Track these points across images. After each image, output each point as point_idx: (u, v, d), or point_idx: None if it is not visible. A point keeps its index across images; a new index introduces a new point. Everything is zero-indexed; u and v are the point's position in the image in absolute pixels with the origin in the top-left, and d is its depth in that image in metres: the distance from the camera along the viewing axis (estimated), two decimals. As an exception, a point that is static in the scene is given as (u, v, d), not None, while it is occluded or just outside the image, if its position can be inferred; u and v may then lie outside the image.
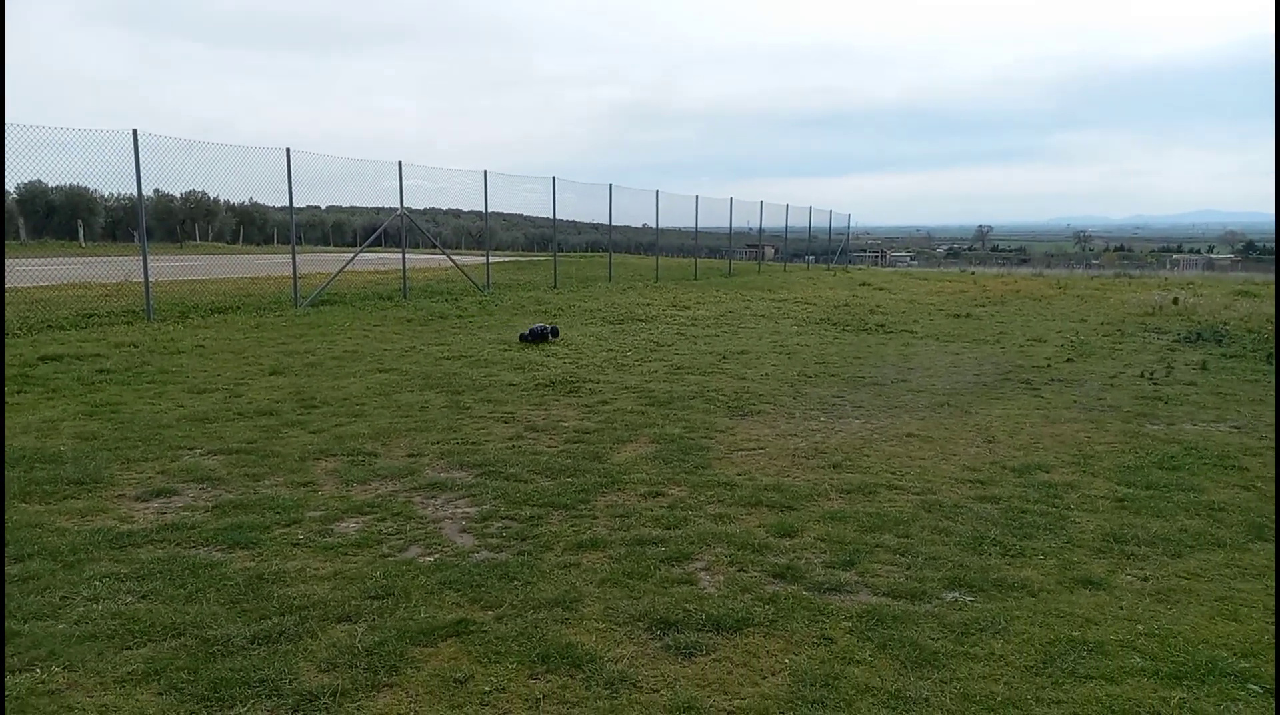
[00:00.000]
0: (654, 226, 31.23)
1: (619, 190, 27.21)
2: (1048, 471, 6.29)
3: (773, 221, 38.69)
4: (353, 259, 20.11)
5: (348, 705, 3.14)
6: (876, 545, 4.81)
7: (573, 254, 49.56)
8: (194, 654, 3.44)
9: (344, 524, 5.03)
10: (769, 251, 46.11)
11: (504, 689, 3.27)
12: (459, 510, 5.32)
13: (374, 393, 8.78)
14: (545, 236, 61.23)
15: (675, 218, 34.18)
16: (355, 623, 3.76)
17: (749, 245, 45.17)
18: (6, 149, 12.64)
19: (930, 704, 3.20)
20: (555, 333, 12.83)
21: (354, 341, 12.40)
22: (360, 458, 6.38)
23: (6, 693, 3.13)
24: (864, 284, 29.04)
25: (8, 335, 12.00)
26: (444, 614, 3.86)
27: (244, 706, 3.11)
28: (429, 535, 4.88)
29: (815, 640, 3.70)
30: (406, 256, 20.00)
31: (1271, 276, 38.25)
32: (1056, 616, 3.94)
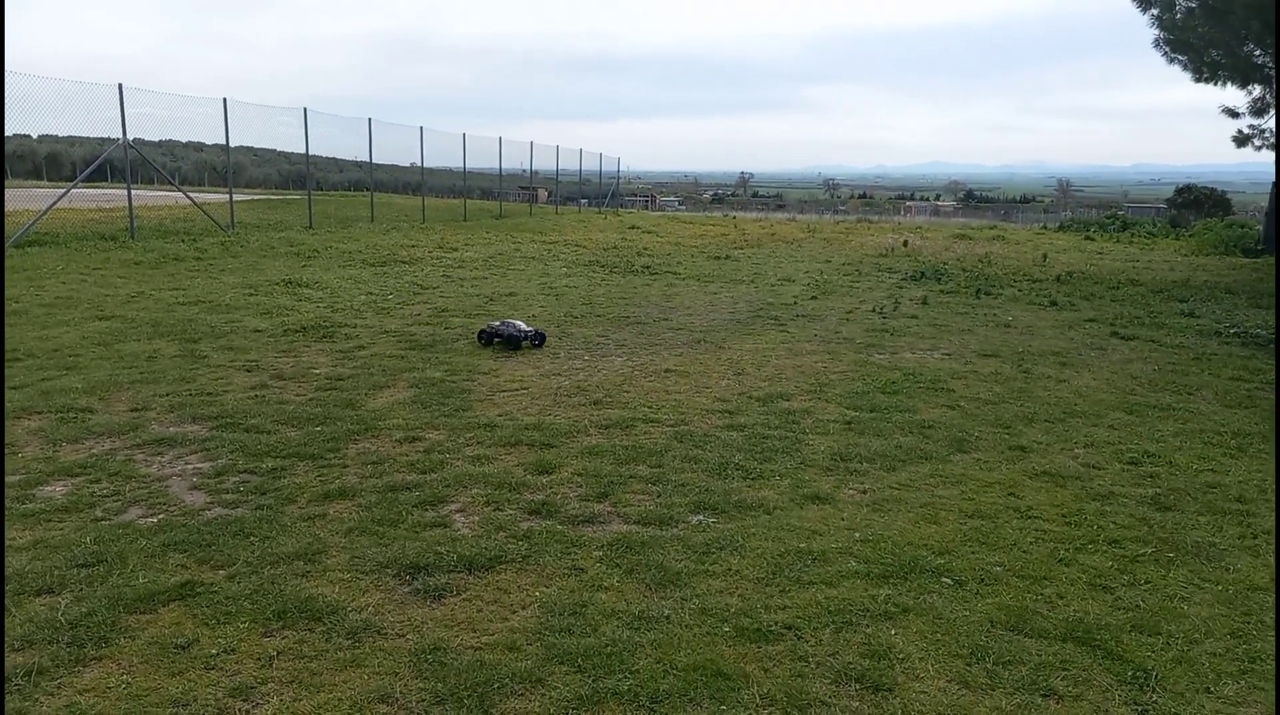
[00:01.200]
0: (420, 165, 30.03)
1: (382, 126, 25.83)
2: (788, 400, 6.76)
3: (546, 164, 38.40)
4: (66, 193, 17.72)
5: (46, 684, 2.82)
6: (631, 476, 4.96)
7: (333, 193, 46.73)
8: None
9: (48, 488, 4.48)
10: (542, 194, 45.83)
11: (233, 650, 3.07)
12: (189, 466, 4.90)
13: (92, 343, 7.85)
14: (302, 173, 57.26)
15: (444, 157, 33.05)
16: (58, 595, 3.37)
17: (521, 187, 44.66)
18: None
19: (671, 621, 3.37)
20: (540, 338, 8.57)
21: (68, 287, 10.99)
22: (72, 415, 5.70)
23: None
24: (633, 227, 29.61)
25: None
26: (167, 577, 3.55)
27: (-90, 700, 2.71)
28: (152, 495, 4.46)
29: (566, 571, 3.78)
30: (136, 193, 17.92)
31: (985, 221, 43.15)
32: (787, 531, 4.26)
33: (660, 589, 3.64)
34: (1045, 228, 36.07)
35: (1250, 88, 23.91)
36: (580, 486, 4.79)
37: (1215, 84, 23.62)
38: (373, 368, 7.38)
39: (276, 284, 11.90)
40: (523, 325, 8.50)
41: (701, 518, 4.42)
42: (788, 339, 9.38)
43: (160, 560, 3.71)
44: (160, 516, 4.19)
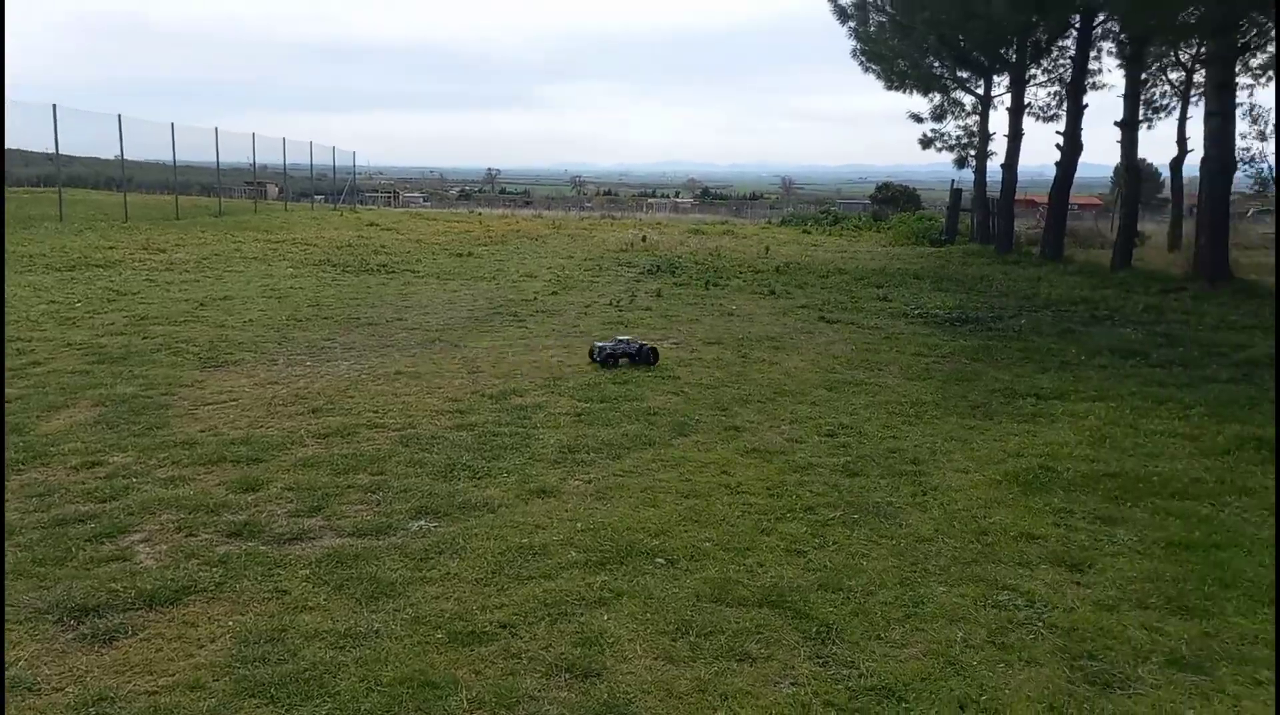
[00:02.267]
0: (121, 157, 26.98)
1: (73, 113, 22.89)
2: (522, 395, 6.76)
3: (272, 157, 35.81)
4: None
5: None
6: (349, 487, 4.73)
7: (17, 190, 40.81)
8: None
9: None
10: (272, 190, 42.80)
11: None
12: None
13: None
14: (-26, 166, 49.47)
15: (153, 150, 29.93)
16: None
17: (247, 183, 41.43)
18: None
19: (381, 635, 3.23)
20: (654, 355, 7.94)
21: None
22: None
23: None
24: (372, 224, 28.39)
25: None
26: None
27: None
28: None
29: (267, 595, 3.52)
30: None
31: (718, 217, 45.77)
32: (511, 528, 4.24)
33: (371, 602, 3.48)
34: (770, 222, 38.88)
35: (931, 95, 27.22)
36: (291, 502, 4.49)
37: (904, 92, 26.66)
38: (48, 386, 6.50)
39: (-71, 294, 10.16)
40: (637, 340, 8.10)
41: (423, 523, 4.29)
42: (526, 335, 9.39)
43: None
44: None
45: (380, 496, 4.61)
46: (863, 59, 26.24)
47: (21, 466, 4.83)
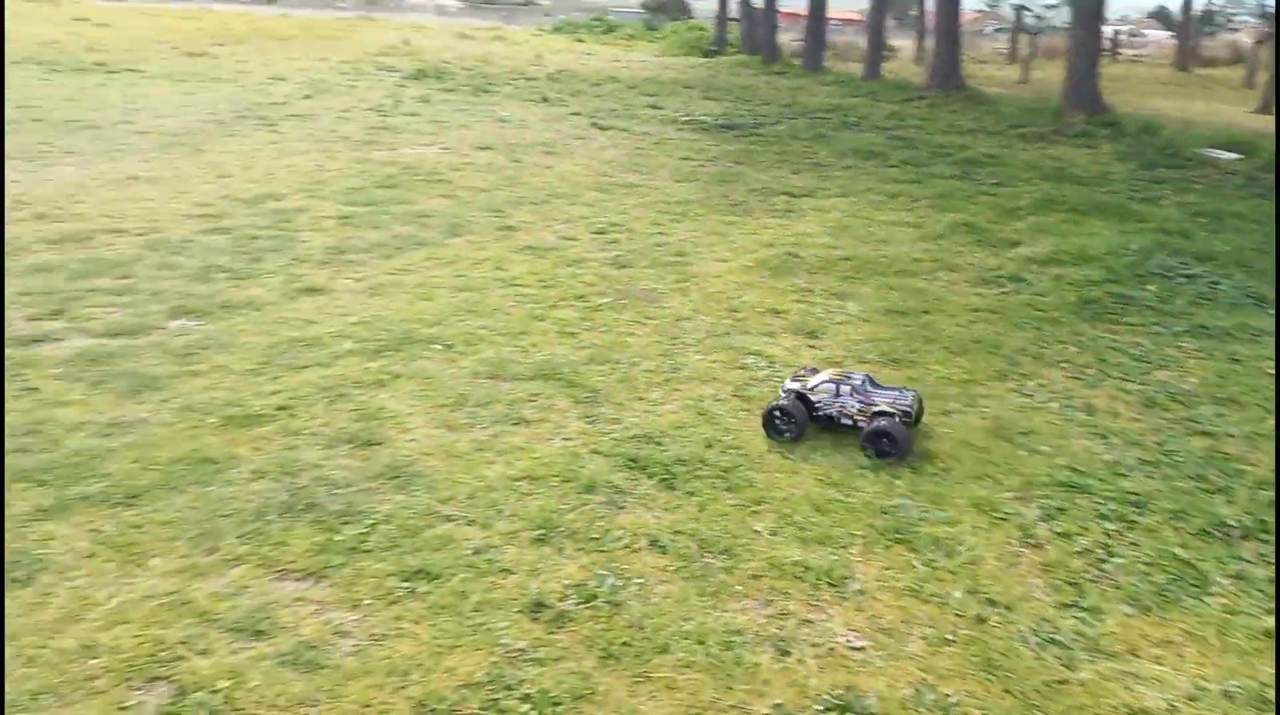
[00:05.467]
0: None
1: None
2: (279, 200, 6.41)
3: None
4: None
5: None
6: (91, 290, 4.42)
7: None
8: None
9: None
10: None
11: None
12: None
13: None
14: None
15: None
16: None
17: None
18: None
19: (149, 423, 3.19)
20: (911, 422, 3.28)
21: None
22: None
23: None
24: (81, 19, 24.39)
25: None
26: None
27: None
28: None
29: (17, 394, 3.33)
30: None
31: (488, 23, 43.20)
32: (280, 323, 4.18)
33: (134, 396, 3.39)
34: (542, 30, 37.33)
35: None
36: (28, 307, 4.15)
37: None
38: None
39: None
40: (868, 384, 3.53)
41: (183, 322, 4.13)
42: (278, 139, 8.74)
43: None
44: None
45: (130, 299, 4.36)
46: None
47: None
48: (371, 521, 2.66)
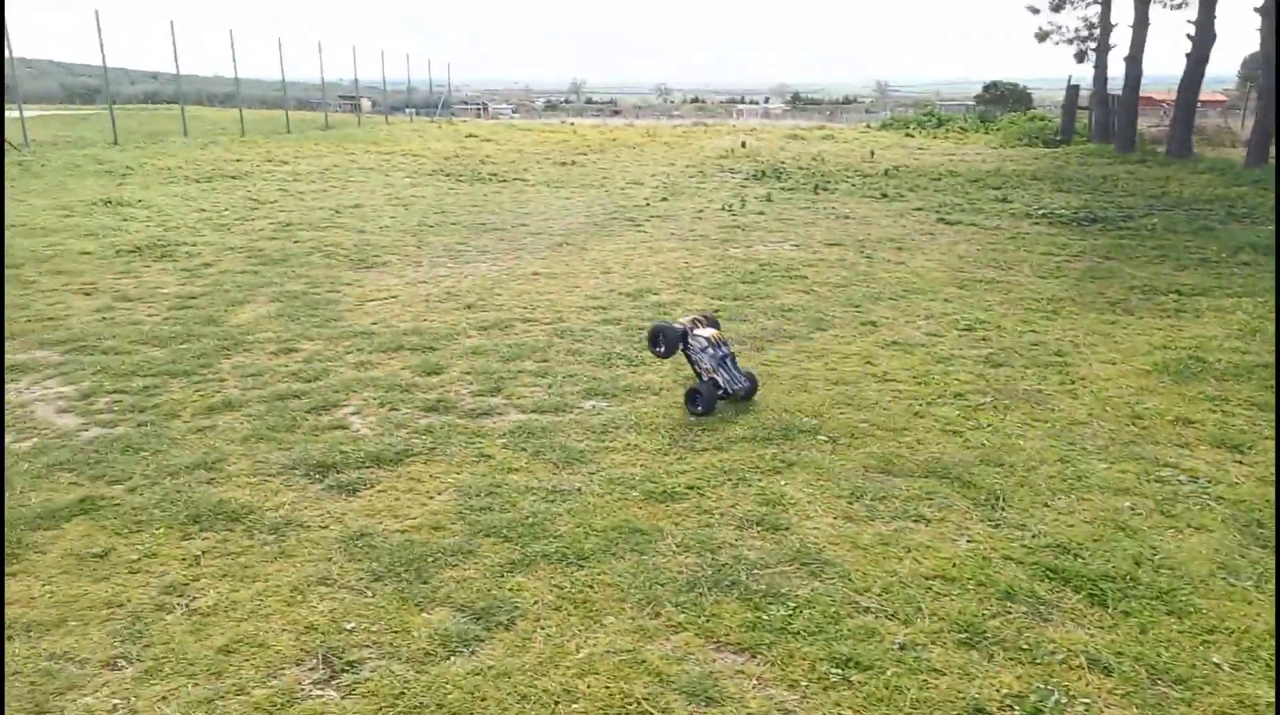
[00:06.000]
0: (229, 75, 27.82)
1: (191, 30, 23.60)
2: (657, 294, 7.03)
3: (366, 73, 36.32)
4: None
5: (-39, 605, 2.74)
6: (519, 372, 5.11)
7: (130, 106, 42.52)
8: None
9: (-105, 423, 4.16)
10: (366, 104, 43.52)
11: (154, 554, 3.07)
12: (51, 391, 4.65)
13: (-107, 274, 7.08)
14: (90, 87, 51.55)
15: (251, 66, 30.72)
16: (-55, 523, 3.22)
17: (342, 97, 42.19)
18: None
19: (583, 492, 3.60)
20: (750, 388, 4.59)
21: None
22: (-104, 348, 5.22)
23: None
24: (470, 136, 28.77)
25: None
26: (61, 495, 3.45)
27: None
28: (19, 421, 4.23)
29: (474, 459, 3.93)
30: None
31: (814, 122, 44.54)
32: (676, 408, 4.55)
33: (567, 466, 3.86)
34: (869, 127, 37.71)
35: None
36: (471, 384, 4.90)
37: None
38: (226, 284, 7.07)
39: (93, 204, 10.96)
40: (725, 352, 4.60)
41: (595, 403, 4.64)
42: (646, 238, 9.61)
43: (49, 480, 3.58)
44: (34, 441, 4.00)
45: (550, 380, 4.97)
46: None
47: (228, 351, 5.36)
48: (794, 604, 2.79)
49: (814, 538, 3.23)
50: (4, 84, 13.71)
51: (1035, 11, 26.18)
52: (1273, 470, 3.78)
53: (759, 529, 3.31)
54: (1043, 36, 26.64)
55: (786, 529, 3.30)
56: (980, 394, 4.75)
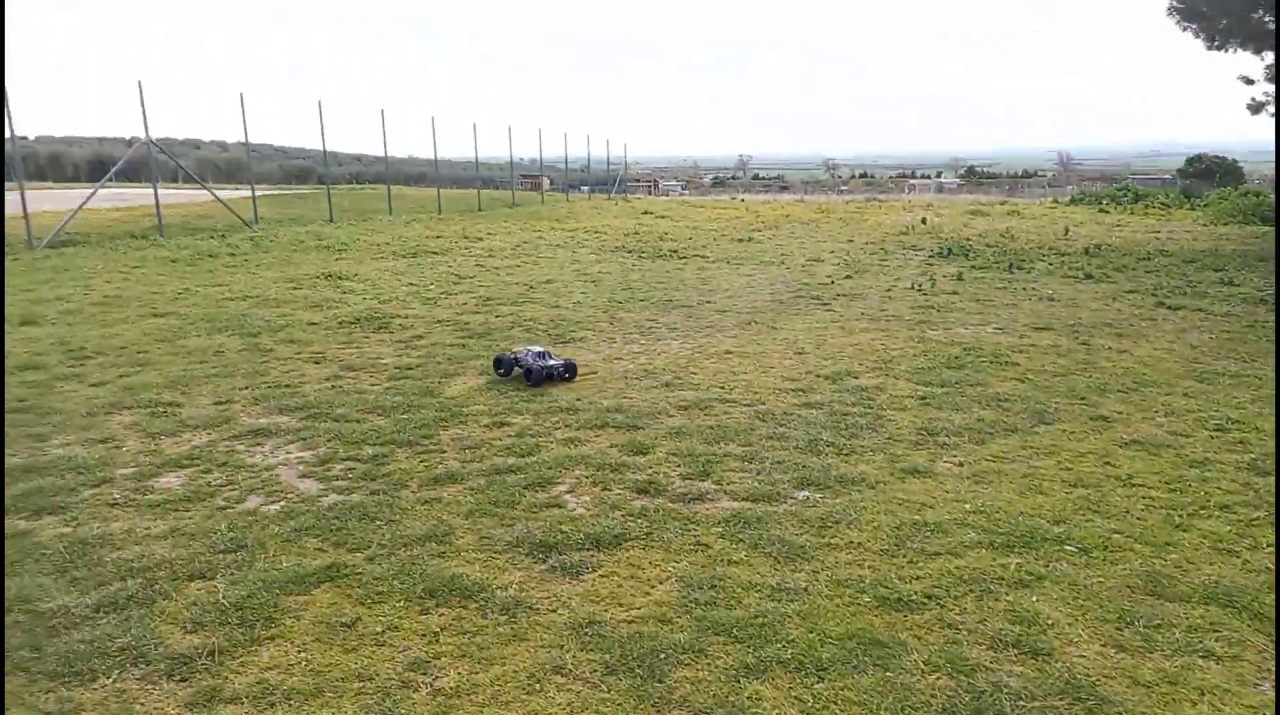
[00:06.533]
0: (421, 157, 30.03)
1: (396, 118, 25.77)
2: (857, 377, 6.80)
3: (556, 152, 38.37)
4: (94, 193, 17.76)
5: (229, 662, 2.88)
6: (725, 455, 5.01)
7: (338, 187, 46.72)
8: (30, 630, 3.01)
9: (164, 480, 4.54)
10: (544, 182, 45.81)
11: (396, 627, 3.14)
12: (292, 456, 4.96)
13: (155, 339, 7.90)
14: (304, 168, 57.15)
15: (451, 148, 33.10)
16: (212, 579, 3.43)
17: (524, 176, 44.57)
18: None
19: (810, 592, 3.43)
20: (571, 371, 6.67)
21: (114, 285, 11.03)
22: (161, 409, 5.75)
23: None
24: (646, 213, 29.60)
25: None
26: (309, 561, 3.62)
27: (109, 678, 2.77)
28: (266, 483, 4.52)
29: (692, 547, 3.83)
30: (147, 191, 17.94)
31: (994, 197, 43.00)
32: (897, 504, 4.31)
33: (788, 562, 3.69)
34: (1056, 202, 35.96)
35: (1263, 54, 23.83)
36: (679, 466, 4.84)
37: (1227, 50, 23.56)
38: (438, 356, 7.43)
39: (316, 277, 11.94)
40: (544, 353, 6.66)
41: (808, 493, 4.47)
42: (836, 318, 9.41)
43: (297, 545, 3.77)
44: (281, 504, 4.25)
45: (757, 466, 4.84)
46: (1179, 16, 23.52)
47: (446, 422, 5.58)
48: (1074, 745, 2.49)
49: (1083, 667, 2.90)
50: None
51: (1249, 82, 24.33)
52: None
53: (1016, 651, 3.01)
54: (1256, 108, 24.65)
55: (1049, 654, 2.99)
56: (1251, 507, 4.23)
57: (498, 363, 6.72)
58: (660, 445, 5.18)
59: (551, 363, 6.59)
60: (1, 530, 3.58)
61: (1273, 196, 25.96)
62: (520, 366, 6.62)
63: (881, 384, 6.60)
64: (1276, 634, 2.03)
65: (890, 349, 7.81)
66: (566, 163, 39.65)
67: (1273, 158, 27.74)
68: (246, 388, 6.32)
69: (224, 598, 3.27)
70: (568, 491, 4.47)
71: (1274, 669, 1.87)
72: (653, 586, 3.48)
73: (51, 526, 3.90)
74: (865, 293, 11.27)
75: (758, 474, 4.74)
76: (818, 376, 6.84)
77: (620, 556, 3.74)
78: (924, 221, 23.62)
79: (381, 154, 27.34)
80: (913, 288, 11.60)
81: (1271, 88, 24.31)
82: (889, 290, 11.47)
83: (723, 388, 6.49)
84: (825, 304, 10.38)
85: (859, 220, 26.06)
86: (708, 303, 10.46)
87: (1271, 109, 24.71)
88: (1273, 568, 3.59)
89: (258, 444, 5.14)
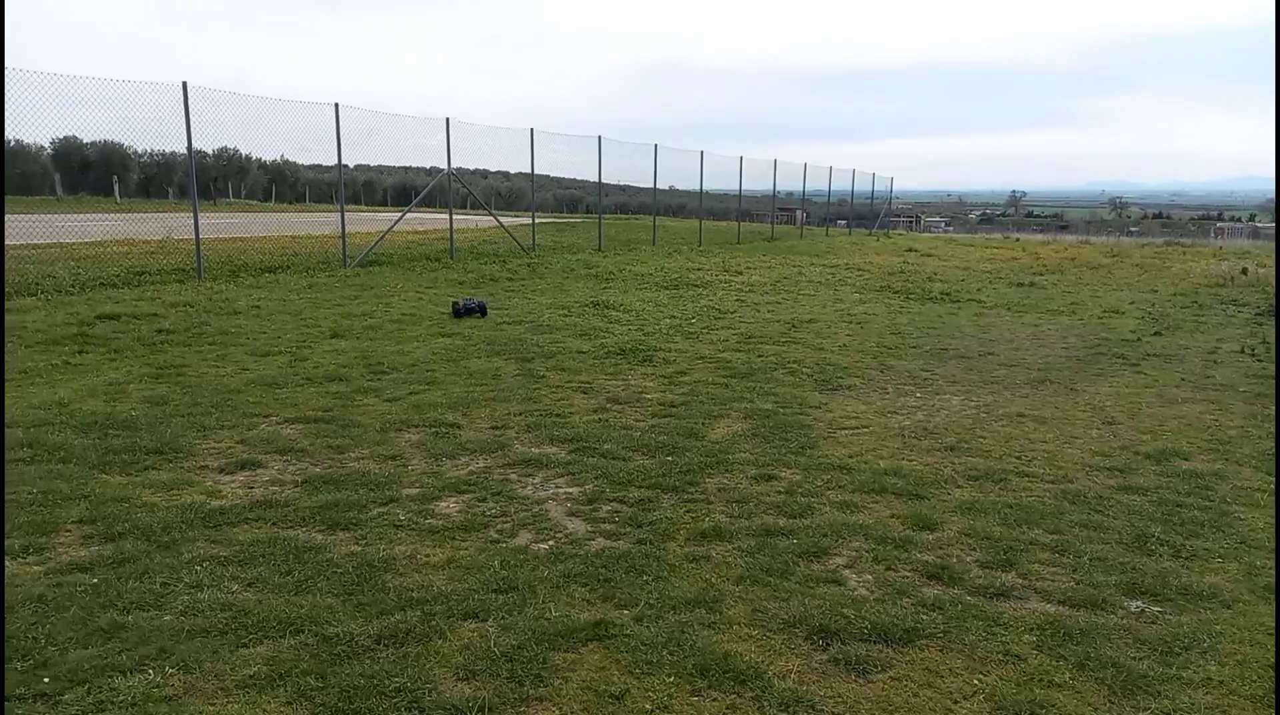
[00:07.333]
0: (683, 189, 30.62)
1: (662, 150, 26.56)
2: (1186, 459, 5.79)
3: (809, 184, 37.86)
4: (401, 217, 19.71)
5: (499, 726, 2.76)
6: (1030, 542, 4.36)
7: (607, 216, 48.97)
8: (317, 655, 3.08)
9: (444, 504, 4.65)
10: (800, 215, 45.28)
11: (666, 707, 2.88)
12: (560, 490, 4.93)
13: (442, 359, 8.39)
14: (574, 198, 60.57)
15: (710, 180, 33.66)
16: (484, 621, 3.38)
17: (780, 209, 44.29)
18: (43, 101, 12.26)
19: (1160, 740, 2.78)
20: (483, 309, 11.05)
21: (409, 304, 12.02)
22: (443, 430, 6.00)
23: (121, 698, 2.78)
24: (910, 249, 28.29)
25: (61, 292, 11.72)
26: (578, 613, 3.47)
27: (385, 725, 2.74)
28: (536, 518, 4.49)
29: (1000, 657, 3.28)
30: (438, 216, 19.56)
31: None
32: (1264, 633, 3.48)
33: (1128, 694, 3.04)
34: None
35: None
36: (974, 550, 4.26)
37: None
38: (700, 395, 7.25)
39: (585, 305, 12.32)
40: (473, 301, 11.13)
41: (1142, 604, 3.74)
42: (1150, 382, 8.21)
43: (565, 592, 3.65)
44: (550, 544, 4.18)
45: (1072, 561, 4.15)
46: None
47: (710, 470, 5.34)
48: None
49: None
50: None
51: None
52: None
53: None
54: None
55: None
56: None
57: (455, 309, 11.04)
58: (949, 521, 4.62)
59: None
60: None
61: None
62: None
63: (1221, 470, 5.56)
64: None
65: (1226, 427, 6.63)
66: (829, 195, 38.97)
67: None
68: (520, 414, 6.47)
69: (495, 645, 3.18)
70: (846, 566, 4.05)
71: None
72: (955, 703, 2.98)
73: (344, 544, 4.07)
74: (1182, 354, 9.81)
75: (1074, 571, 4.05)
76: (1136, 454, 5.90)
77: (913, 657, 3.26)
78: (1244, 272, 20.60)
79: (647, 185, 28.25)
80: (1242, 351, 9.96)
81: None
82: (1212, 352, 9.93)
83: (1018, 457, 5.76)
84: (1133, 364, 9.13)
85: (1159, 267, 23.29)
86: (989, 354, 9.56)
87: None
88: None
89: (529, 474, 5.17)
